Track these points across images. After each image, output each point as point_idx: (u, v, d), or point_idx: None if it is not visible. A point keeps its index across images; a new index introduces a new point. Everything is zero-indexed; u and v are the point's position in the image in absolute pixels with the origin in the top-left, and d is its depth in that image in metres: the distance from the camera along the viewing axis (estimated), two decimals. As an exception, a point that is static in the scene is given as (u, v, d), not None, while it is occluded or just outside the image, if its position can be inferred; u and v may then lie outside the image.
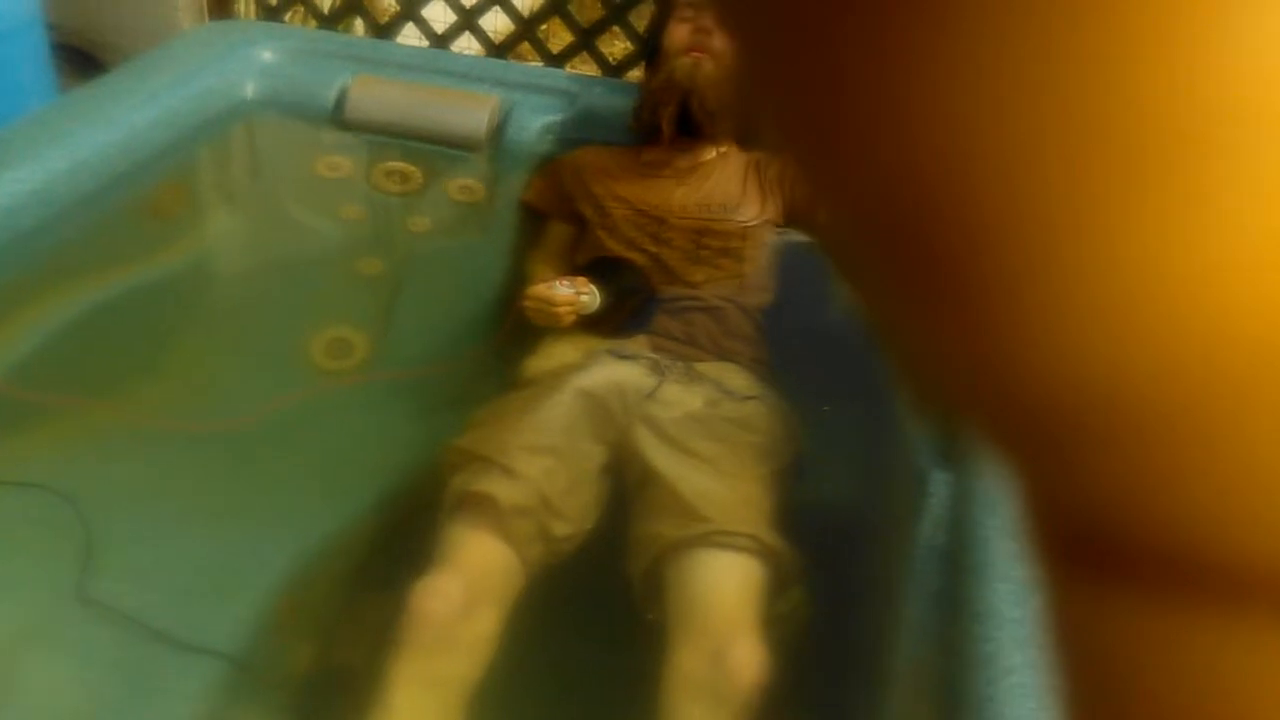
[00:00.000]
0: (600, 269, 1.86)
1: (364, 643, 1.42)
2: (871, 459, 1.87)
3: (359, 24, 3.02)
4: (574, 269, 1.91)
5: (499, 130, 2.44)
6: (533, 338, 1.85)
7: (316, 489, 1.70)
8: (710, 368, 1.77)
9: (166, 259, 2.12)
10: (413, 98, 2.44)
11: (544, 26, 2.84)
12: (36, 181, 1.93)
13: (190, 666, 1.39)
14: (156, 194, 2.28)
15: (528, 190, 2.24)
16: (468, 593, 1.40)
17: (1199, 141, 0.12)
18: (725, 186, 2.02)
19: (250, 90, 2.46)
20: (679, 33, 2.04)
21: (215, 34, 2.59)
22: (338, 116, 2.45)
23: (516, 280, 2.02)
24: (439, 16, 2.85)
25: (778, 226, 2.02)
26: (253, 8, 2.98)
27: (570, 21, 2.78)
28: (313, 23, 2.99)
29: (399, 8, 2.88)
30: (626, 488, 1.62)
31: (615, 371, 1.72)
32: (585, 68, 2.86)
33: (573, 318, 1.77)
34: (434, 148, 2.41)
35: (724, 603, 1.41)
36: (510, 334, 1.88)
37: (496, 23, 2.86)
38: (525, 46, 2.89)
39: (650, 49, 2.18)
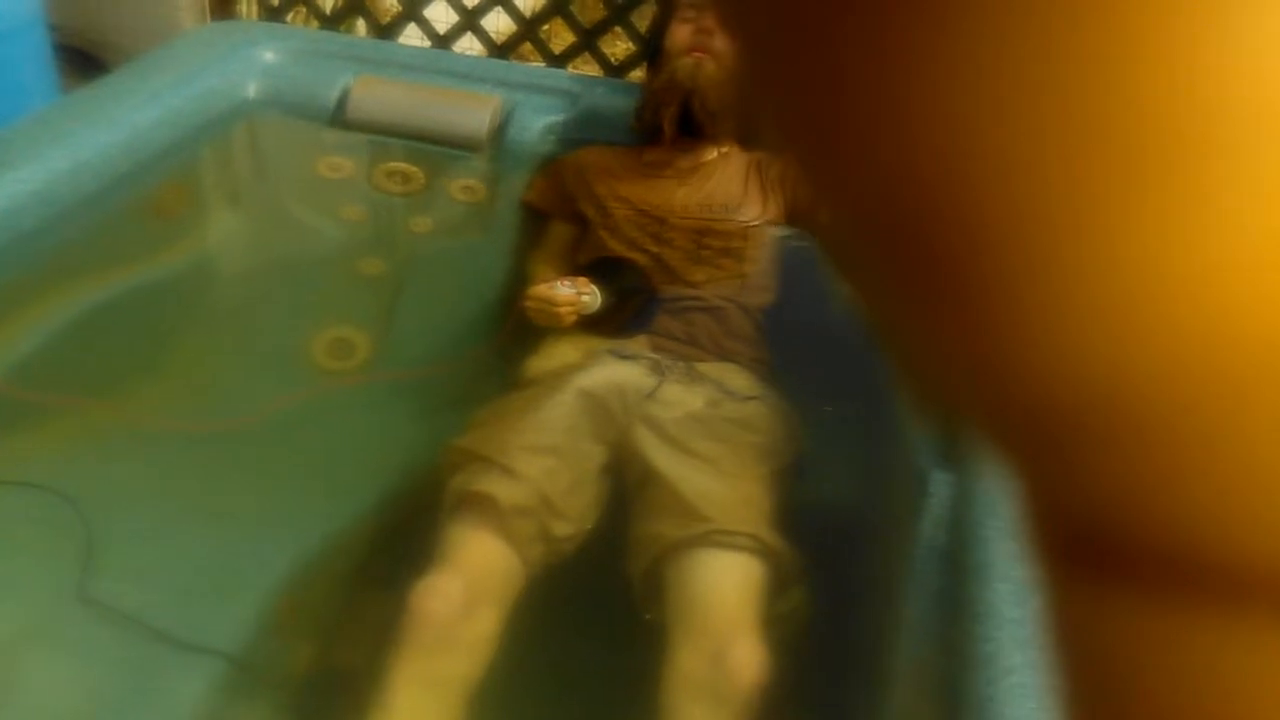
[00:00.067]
0: (602, 269, 1.86)
1: (364, 642, 1.42)
2: (872, 459, 1.86)
3: (361, 24, 3.02)
4: (575, 269, 1.91)
5: (501, 130, 2.44)
6: (534, 338, 1.85)
7: (318, 489, 1.70)
8: (711, 368, 1.77)
9: (168, 259, 2.12)
10: (414, 98, 2.44)
11: (546, 27, 2.84)
12: (38, 182, 1.93)
13: (191, 666, 1.39)
14: (158, 194, 2.28)
15: (529, 190, 2.24)
16: (468, 593, 1.40)
17: (1199, 141, 0.12)
18: (727, 187, 2.02)
19: (252, 90, 2.46)
20: (681, 33, 2.04)
21: (217, 34, 2.59)
22: (339, 117, 2.45)
23: (518, 280, 2.02)
24: (441, 17, 2.85)
25: (779, 227, 2.02)
26: (254, 8, 2.98)
27: (572, 22, 2.78)
28: (314, 23, 2.99)
29: (401, 8, 2.88)
30: (627, 488, 1.63)
31: (616, 372, 1.72)
32: (587, 68, 2.86)
33: (574, 318, 1.77)
34: (436, 148, 2.41)
35: (724, 602, 1.41)
36: (511, 334, 1.88)
37: (498, 23, 2.86)
38: (527, 47, 2.89)
39: (652, 49, 2.18)
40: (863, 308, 0.15)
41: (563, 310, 1.75)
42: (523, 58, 2.96)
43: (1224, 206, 0.12)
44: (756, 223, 1.99)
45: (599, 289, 1.78)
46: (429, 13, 2.86)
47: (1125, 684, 0.15)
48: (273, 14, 2.94)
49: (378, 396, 1.88)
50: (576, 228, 2.06)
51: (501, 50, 2.87)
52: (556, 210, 2.12)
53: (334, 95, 2.46)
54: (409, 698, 1.33)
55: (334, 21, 2.97)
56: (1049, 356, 0.13)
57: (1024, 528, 0.15)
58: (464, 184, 2.39)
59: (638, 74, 2.60)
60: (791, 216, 2.02)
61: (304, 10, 2.98)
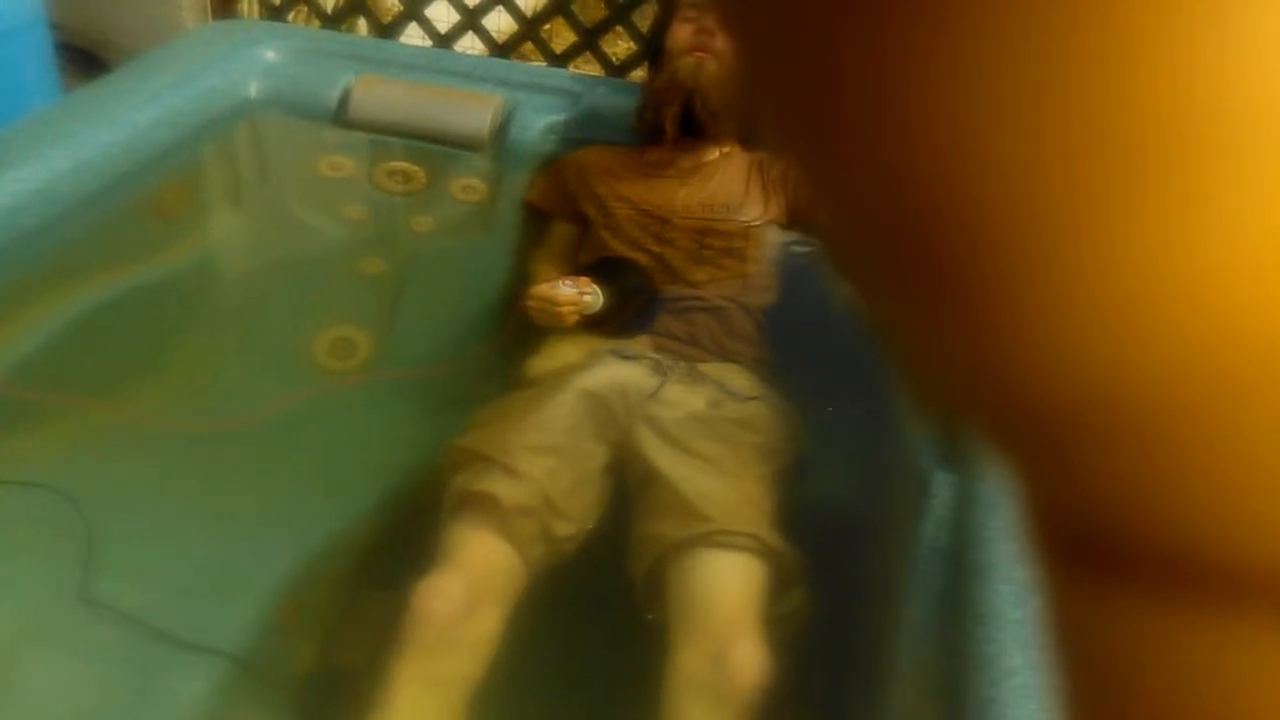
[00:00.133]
0: (603, 269, 1.86)
1: (366, 642, 1.42)
2: (873, 459, 1.86)
3: (362, 23, 3.02)
4: (577, 269, 1.91)
5: (502, 130, 2.44)
6: (535, 338, 1.85)
7: (319, 489, 1.70)
8: (712, 368, 1.77)
9: (169, 259, 2.12)
10: (416, 97, 2.44)
11: (547, 26, 2.84)
12: (40, 181, 1.93)
13: (192, 666, 1.39)
14: (159, 194, 2.28)
15: (531, 190, 2.24)
16: (470, 592, 1.40)
17: (1199, 141, 0.12)
18: (728, 187, 2.02)
19: (253, 90, 2.46)
20: (682, 33, 2.04)
21: (218, 33, 2.59)
22: (341, 116, 2.45)
23: (519, 280, 2.02)
24: (442, 16, 2.85)
25: (781, 227, 2.02)
26: (256, 7, 2.98)
27: (573, 21, 2.78)
28: (316, 22, 2.99)
29: (402, 7, 2.88)
30: (629, 488, 1.63)
31: (618, 372, 1.72)
32: (588, 68, 2.86)
33: (576, 318, 1.77)
34: (437, 147, 2.41)
35: (725, 603, 1.41)
36: (513, 334, 1.88)
37: (500, 22, 2.86)
38: (528, 46, 2.89)
39: (653, 49, 2.18)
40: (863, 308, 0.15)
41: (564, 310, 1.75)
42: (524, 57, 2.96)
43: (1224, 206, 0.12)
44: (758, 223, 1.99)
45: (601, 289, 1.78)
46: (430, 12, 2.86)
47: (1125, 684, 0.15)
48: (274, 13, 2.94)
49: (379, 396, 1.88)
50: (578, 227, 2.06)
51: (503, 50, 2.87)
52: (558, 210, 2.12)
53: (335, 94, 2.46)
54: (410, 697, 1.33)
55: (335, 21, 2.97)
56: (1049, 356, 0.13)
57: (1024, 528, 0.15)
58: (465, 183, 2.39)
59: (639, 74, 2.60)
60: (793, 217, 2.02)
61: (305, 9, 2.98)
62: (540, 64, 2.85)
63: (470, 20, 2.82)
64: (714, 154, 2.06)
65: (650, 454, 1.60)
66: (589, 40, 2.79)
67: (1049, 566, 0.15)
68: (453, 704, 1.35)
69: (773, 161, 2.03)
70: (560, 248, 2.06)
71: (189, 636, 1.41)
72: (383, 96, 2.44)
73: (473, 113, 2.41)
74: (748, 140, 2.07)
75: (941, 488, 1.55)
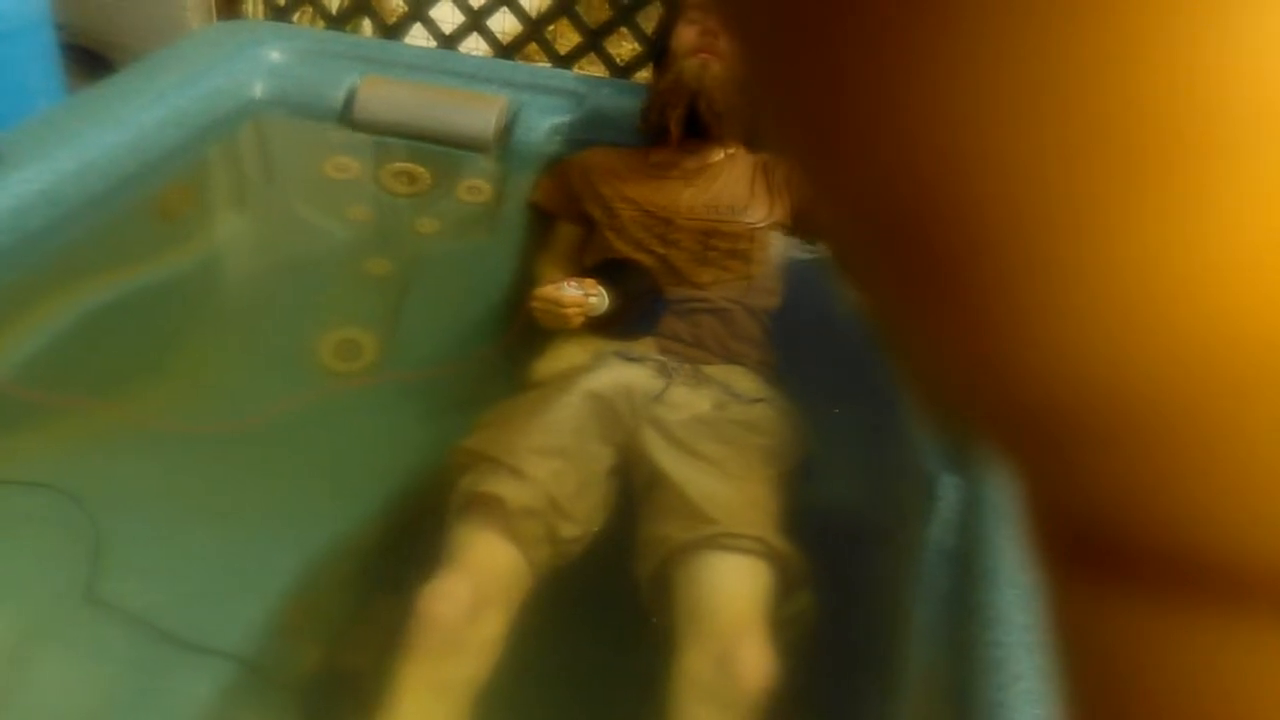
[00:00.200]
0: (608, 270, 1.86)
1: (371, 644, 1.42)
2: (879, 462, 1.86)
3: (367, 24, 3.02)
4: (582, 270, 1.91)
5: (507, 131, 2.44)
6: (541, 339, 1.85)
7: (324, 490, 1.70)
8: (718, 370, 1.77)
9: (174, 259, 2.12)
10: (421, 98, 2.44)
11: (552, 27, 2.84)
12: (45, 182, 1.93)
13: (197, 667, 1.39)
14: (164, 194, 2.29)
15: (535, 191, 2.24)
16: (475, 595, 1.40)
17: (1198, 141, 0.12)
18: (733, 188, 2.02)
19: (258, 90, 2.47)
20: (687, 34, 2.04)
21: (223, 34, 2.60)
22: (346, 117, 2.45)
23: (524, 281, 2.02)
24: (447, 17, 2.85)
25: (785, 229, 2.02)
26: (261, 8, 2.98)
27: (578, 22, 2.78)
28: (321, 23, 2.99)
29: (407, 8, 2.89)
30: (634, 490, 1.62)
31: (623, 374, 1.72)
32: (593, 69, 2.86)
33: (581, 319, 1.77)
34: (442, 148, 2.41)
35: (731, 605, 1.41)
36: (518, 335, 1.88)
37: (504, 23, 2.86)
38: (533, 47, 2.89)
39: (658, 50, 2.18)
40: (866, 308, 0.15)
41: (570, 311, 1.75)
42: (528, 58, 2.96)
43: (1224, 206, 0.12)
44: (763, 224, 1.99)
45: (606, 290, 1.78)
46: (435, 13, 2.86)
47: (1125, 684, 0.15)
48: (279, 14, 2.94)
49: (384, 398, 1.88)
50: (583, 229, 2.06)
51: (507, 51, 2.87)
52: (563, 211, 2.12)
53: (340, 95, 2.47)
54: (415, 700, 1.33)
55: (340, 21, 2.98)
56: (1049, 356, 0.13)
57: (1024, 528, 0.15)
58: (470, 184, 2.40)
59: (644, 75, 2.60)
60: (798, 218, 2.02)
61: (310, 10, 2.99)
62: (545, 65, 2.86)
63: (475, 21, 2.83)
64: (719, 155, 2.06)
65: (655, 456, 1.60)
66: (594, 41, 2.80)
67: (1049, 566, 0.15)
68: (458, 707, 1.35)
69: (778, 163, 2.03)
70: (565, 249, 2.06)
71: (194, 637, 1.41)
72: (387, 97, 2.44)
73: (477, 114, 2.42)
74: (753, 142, 2.07)
75: (948, 491, 1.55)
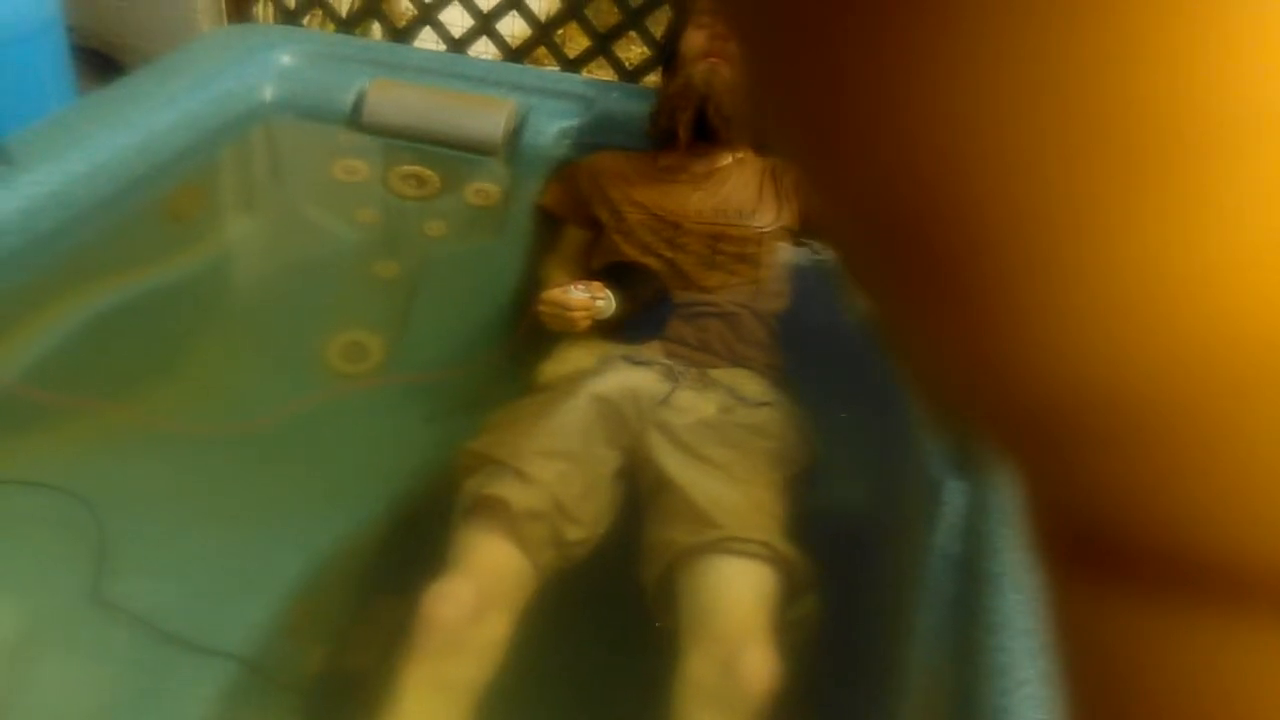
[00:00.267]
0: (616, 274, 1.86)
1: (375, 646, 1.42)
2: (885, 466, 1.86)
3: (376, 28, 3.03)
4: (589, 274, 1.91)
5: (515, 135, 2.44)
6: (547, 342, 1.85)
7: (331, 492, 1.70)
8: (724, 374, 1.77)
9: (184, 262, 2.12)
10: (430, 102, 2.44)
11: (561, 31, 2.84)
12: (55, 184, 1.94)
13: (203, 668, 1.40)
14: (174, 197, 2.29)
15: (544, 195, 2.24)
16: (479, 597, 1.40)
17: (1199, 141, 0.12)
18: (741, 192, 2.02)
19: (268, 93, 2.47)
20: (696, 38, 2.04)
21: (234, 37, 2.60)
22: (355, 120, 2.46)
23: (532, 285, 2.02)
24: (456, 20, 2.85)
25: (793, 232, 2.02)
26: (271, 11, 2.99)
27: (587, 26, 2.79)
28: (331, 26, 3.00)
29: (416, 12, 2.89)
30: (640, 493, 1.62)
31: (629, 377, 1.72)
32: (602, 73, 2.86)
33: (588, 323, 1.77)
34: (450, 152, 2.42)
35: (736, 609, 1.41)
36: (525, 338, 1.88)
37: (513, 27, 2.87)
38: (542, 51, 2.89)
39: (667, 54, 2.18)
40: (870, 310, 0.15)
41: (577, 315, 1.75)
42: (537, 62, 2.96)
43: (1224, 206, 0.12)
44: (770, 228, 1.99)
45: (613, 294, 1.78)
46: (444, 16, 2.87)
47: (1125, 684, 0.15)
48: (289, 17, 2.95)
49: (391, 400, 1.88)
50: (590, 232, 2.06)
51: (516, 54, 2.88)
52: (571, 215, 2.13)
53: (350, 98, 2.47)
54: (419, 701, 1.33)
55: (350, 25, 2.98)
56: (1049, 357, 0.13)
57: (1026, 528, 0.15)
58: (478, 188, 2.40)
59: (653, 79, 2.60)
60: (805, 222, 2.02)
61: (320, 13, 2.99)
62: (554, 69, 2.86)
63: (484, 25, 2.83)
64: (727, 159, 2.06)
65: (661, 460, 1.60)
66: (602, 45, 2.80)
67: (1050, 566, 0.15)
68: (461, 709, 1.35)
69: (786, 167, 2.03)
70: (572, 252, 2.06)
71: (200, 638, 1.42)
72: (397, 101, 2.44)
73: (486, 117, 2.42)
74: (761, 146, 2.07)
75: (954, 495, 1.54)
